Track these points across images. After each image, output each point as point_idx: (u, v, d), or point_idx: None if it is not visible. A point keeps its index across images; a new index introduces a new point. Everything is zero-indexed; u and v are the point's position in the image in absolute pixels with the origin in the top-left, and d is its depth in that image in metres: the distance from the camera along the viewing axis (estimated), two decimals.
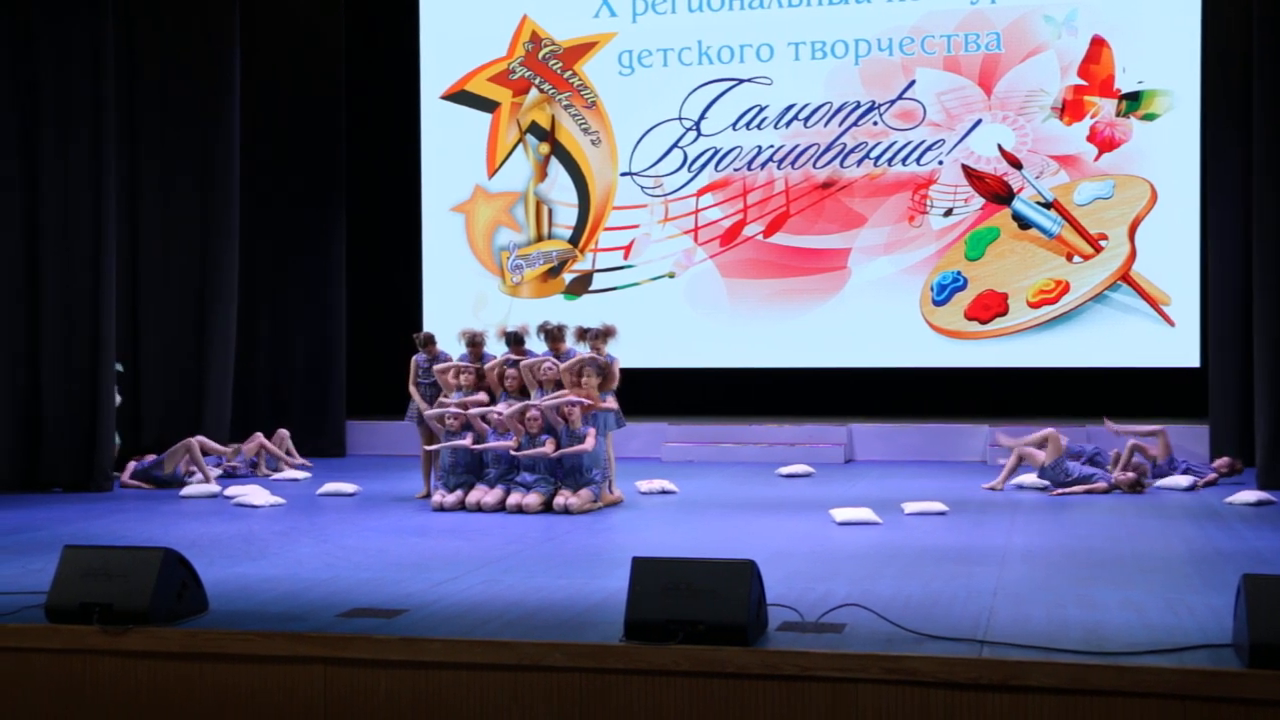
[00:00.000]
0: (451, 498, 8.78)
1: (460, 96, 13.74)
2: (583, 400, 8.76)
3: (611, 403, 9.08)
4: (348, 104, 13.30)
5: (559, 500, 8.56)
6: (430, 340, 9.84)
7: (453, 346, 9.93)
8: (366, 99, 13.78)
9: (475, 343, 9.50)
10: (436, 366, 9.53)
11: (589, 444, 8.66)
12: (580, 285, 13.45)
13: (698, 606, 4.56)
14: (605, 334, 9.23)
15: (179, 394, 11.64)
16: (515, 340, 9.37)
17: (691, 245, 13.17)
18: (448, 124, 13.76)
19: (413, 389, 9.76)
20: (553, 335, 9.29)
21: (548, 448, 8.70)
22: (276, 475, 10.91)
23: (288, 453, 11.34)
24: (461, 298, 13.55)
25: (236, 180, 12.10)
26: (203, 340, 11.81)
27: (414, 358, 9.81)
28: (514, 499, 8.60)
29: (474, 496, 8.73)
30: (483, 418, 8.99)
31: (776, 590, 5.17)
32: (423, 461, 9.70)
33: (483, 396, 9.27)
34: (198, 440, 10.43)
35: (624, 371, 9.33)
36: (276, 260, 12.99)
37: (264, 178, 12.82)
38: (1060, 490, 9.26)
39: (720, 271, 13.10)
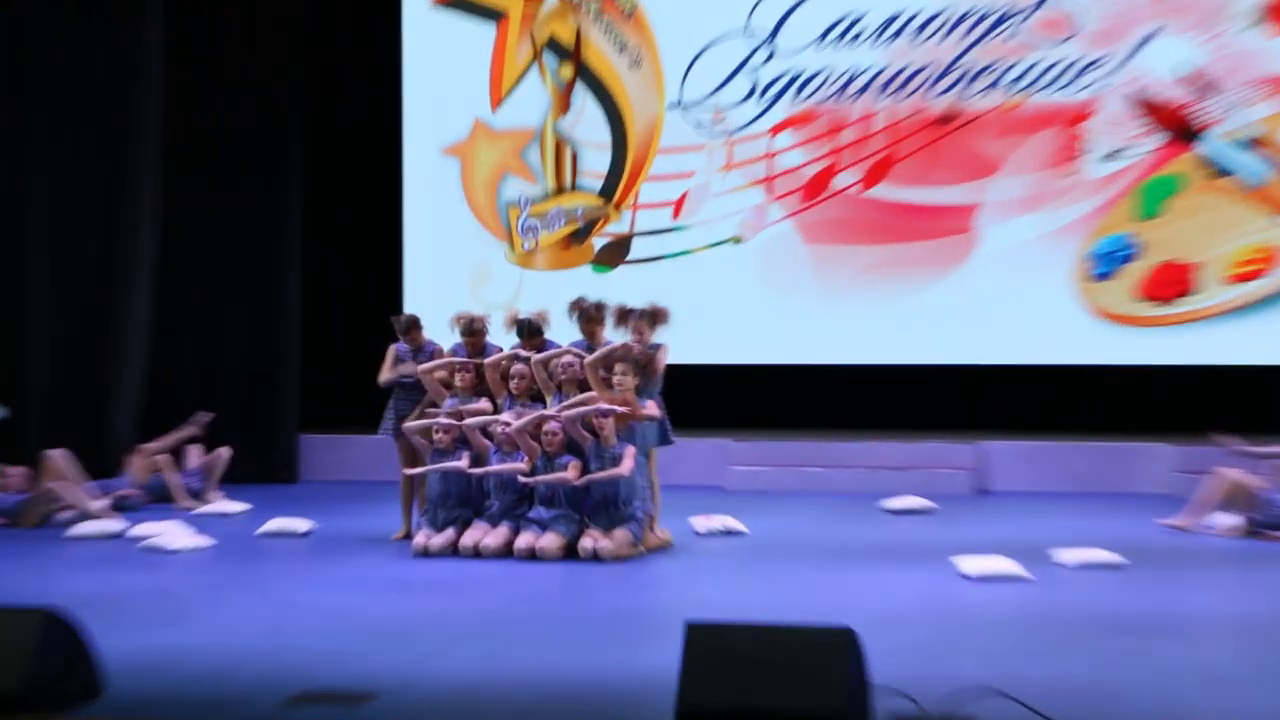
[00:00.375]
0: (440, 539, 8.73)
1: (456, 3, 13.70)
2: (617, 408, 8.64)
3: (655, 410, 8.93)
4: (307, 13, 13.26)
5: (585, 543, 8.49)
6: (414, 324, 9.74)
7: (444, 336, 9.81)
8: (331, 6, 13.74)
9: (474, 331, 9.43)
10: (421, 367, 9.40)
11: (626, 467, 8.56)
12: (614, 253, 13.40)
13: (776, 690, 4.53)
14: (653, 316, 9.07)
15: (74, 402, 11.61)
16: (530, 331, 9.27)
17: (764, 200, 13.09)
18: (439, 39, 13.74)
19: (388, 372, 9.60)
20: (589, 316, 9.15)
21: (570, 473, 8.62)
22: (202, 507, 10.84)
23: (208, 478, 11.27)
24: (455, 270, 13.54)
25: (158, 119, 12.09)
26: (108, 330, 11.76)
27: (392, 346, 9.72)
28: (525, 541, 8.55)
29: (470, 537, 8.68)
30: (483, 431, 8.91)
31: (884, 669, 5.08)
32: (403, 490, 9.64)
33: (484, 404, 9.17)
34: (56, 465, 10.31)
35: (674, 368, 9.19)
36: (210, 225, 12.99)
37: (194, 114, 12.79)
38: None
39: (803, 235, 13.03)
